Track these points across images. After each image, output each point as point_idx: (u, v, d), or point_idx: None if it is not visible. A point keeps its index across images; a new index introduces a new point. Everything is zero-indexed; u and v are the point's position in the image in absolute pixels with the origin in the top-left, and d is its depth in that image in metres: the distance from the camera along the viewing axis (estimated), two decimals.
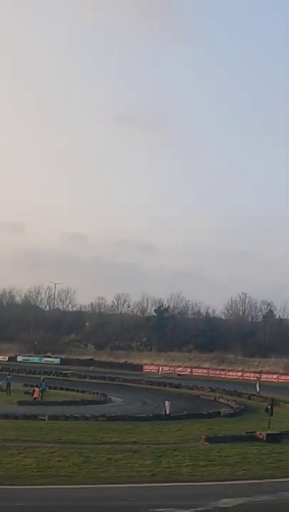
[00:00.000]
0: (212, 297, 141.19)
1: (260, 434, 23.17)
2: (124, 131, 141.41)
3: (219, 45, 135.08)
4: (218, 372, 78.15)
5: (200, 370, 79.17)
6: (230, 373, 76.96)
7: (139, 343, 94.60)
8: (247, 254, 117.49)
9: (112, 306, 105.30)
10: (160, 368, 77.78)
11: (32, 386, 42.57)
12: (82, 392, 44.57)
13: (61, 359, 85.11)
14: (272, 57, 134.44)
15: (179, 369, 79.56)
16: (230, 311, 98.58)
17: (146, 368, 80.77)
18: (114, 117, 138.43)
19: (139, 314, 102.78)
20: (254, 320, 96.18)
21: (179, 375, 74.27)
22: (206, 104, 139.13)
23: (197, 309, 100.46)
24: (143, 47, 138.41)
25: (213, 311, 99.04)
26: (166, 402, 30.56)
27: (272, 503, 13.38)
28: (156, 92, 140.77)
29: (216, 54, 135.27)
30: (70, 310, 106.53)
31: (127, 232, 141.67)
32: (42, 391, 40.11)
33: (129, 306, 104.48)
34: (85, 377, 61.84)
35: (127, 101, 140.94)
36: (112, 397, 41.44)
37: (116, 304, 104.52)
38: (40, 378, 44.24)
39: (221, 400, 42.10)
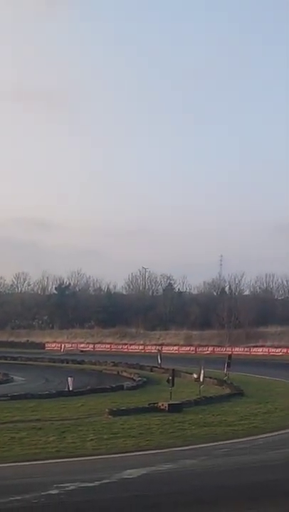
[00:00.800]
0: (113, 273, 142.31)
1: (162, 404, 23.65)
2: (20, 108, 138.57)
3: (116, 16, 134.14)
4: (120, 346, 79.12)
5: (102, 346, 79.86)
6: (132, 347, 78.08)
7: (40, 322, 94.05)
8: (145, 229, 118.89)
9: (11, 286, 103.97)
10: (62, 346, 77.73)
11: None
12: None
13: None
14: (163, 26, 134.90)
15: (82, 345, 79.94)
16: (131, 286, 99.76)
17: (49, 346, 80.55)
18: (6, 94, 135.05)
19: (39, 293, 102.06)
20: (154, 294, 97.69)
21: (82, 351, 74.54)
22: (103, 79, 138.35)
23: (98, 286, 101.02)
24: (37, 23, 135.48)
25: (114, 287, 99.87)
26: (69, 379, 30.53)
27: (175, 470, 13.72)
28: (51, 67, 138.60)
29: (112, 28, 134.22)
30: None
31: (25, 210, 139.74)
32: None
33: (29, 285, 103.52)
34: None
35: (21, 77, 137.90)
36: (14, 377, 40.92)
37: (15, 283, 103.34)
38: None
39: (124, 374, 42.56)
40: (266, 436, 18.86)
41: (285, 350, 71.21)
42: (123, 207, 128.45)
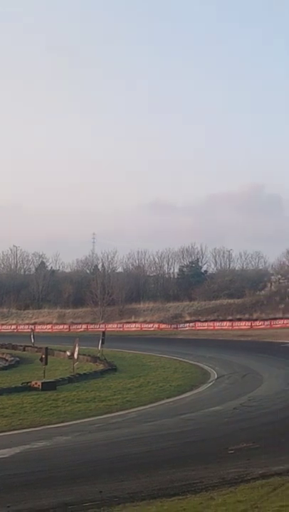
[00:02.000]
0: None
1: (36, 383, 23.53)
2: None
3: None
4: None
5: None
6: (4, 327, 76.72)
7: None
8: (17, 207, 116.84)
9: None
10: None
11: None
12: None
13: None
14: None
15: None
16: (2, 265, 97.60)
17: None
18: None
19: None
20: (26, 273, 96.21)
21: None
22: None
23: None
24: None
25: None
26: None
27: (49, 448, 13.74)
28: None
29: None
30: None
31: None
32: None
33: None
34: None
35: None
36: None
37: None
38: None
39: None
40: (139, 410, 19.30)
41: (156, 325, 72.79)
42: None
